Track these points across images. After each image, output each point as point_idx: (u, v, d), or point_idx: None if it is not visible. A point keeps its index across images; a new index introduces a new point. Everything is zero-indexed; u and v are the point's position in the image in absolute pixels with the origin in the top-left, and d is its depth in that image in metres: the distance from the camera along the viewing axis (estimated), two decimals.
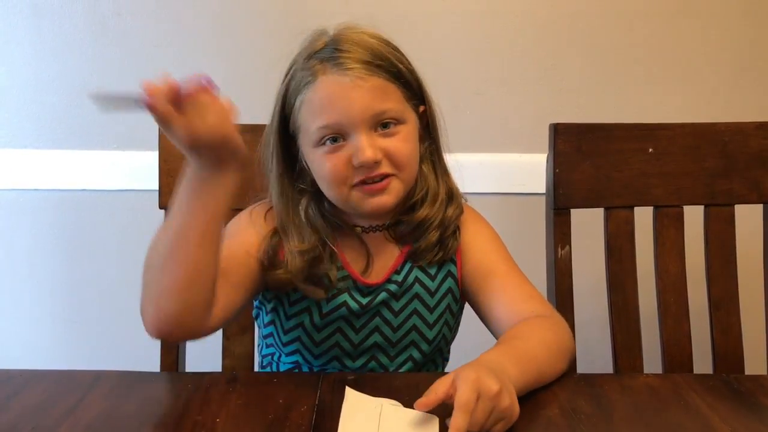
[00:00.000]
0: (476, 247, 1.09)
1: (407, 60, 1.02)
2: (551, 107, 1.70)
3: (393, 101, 0.98)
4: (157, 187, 1.25)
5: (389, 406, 0.85)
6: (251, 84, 1.66)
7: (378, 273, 1.06)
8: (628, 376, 1.03)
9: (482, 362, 0.84)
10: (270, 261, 1.03)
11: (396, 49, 1.02)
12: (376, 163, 0.97)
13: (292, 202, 1.03)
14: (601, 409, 0.87)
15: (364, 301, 1.04)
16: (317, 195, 1.04)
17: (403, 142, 0.99)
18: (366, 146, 0.96)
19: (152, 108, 0.82)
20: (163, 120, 0.83)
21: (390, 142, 0.98)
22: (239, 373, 1.03)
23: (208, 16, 1.68)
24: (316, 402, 0.87)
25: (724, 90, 1.70)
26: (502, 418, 0.78)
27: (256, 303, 1.12)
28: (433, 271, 1.07)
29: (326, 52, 0.97)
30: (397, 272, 1.06)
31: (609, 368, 1.26)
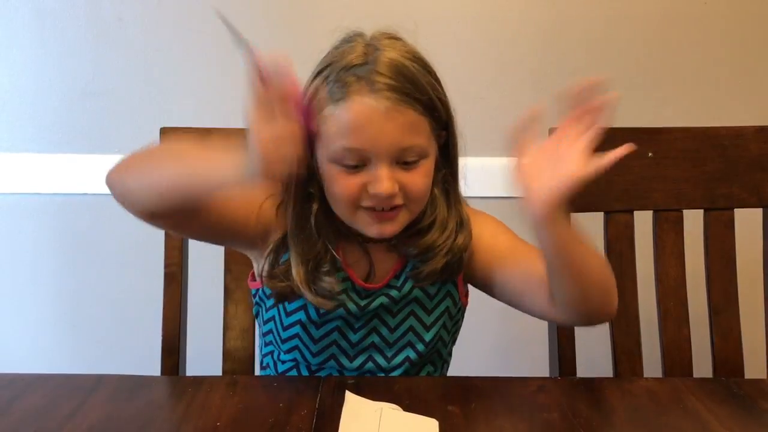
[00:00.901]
0: (481, 245, 1.07)
1: (441, 87, 1.00)
2: (551, 111, 1.69)
3: (421, 137, 0.96)
4: None
5: (389, 409, 0.85)
6: None
7: (378, 278, 1.06)
8: (628, 380, 1.03)
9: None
10: (270, 271, 1.03)
11: (432, 74, 1.00)
12: (391, 196, 0.95)
13: (303, 209, 1.02)
14: (600, 413, 0.87)
15: (362, 303, 1.05)
16: (325, 202, 1.02)
17: (422, 176, 0.98)
18: (385, 179, 0.94)
19: (253, 62, 0.83)
20: (255, 93, 0.84)
21: (409, 176, 0.96)
22: (239, 377, 1.03)
23: (209, 21, 1.68)
24: (317, 406, 0.87)
25: (724, 94, 1.70)
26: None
27: (256, 300, 1.12)
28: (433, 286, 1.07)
29: (364, 71, 0.94)
30: (397, 277, 1.06)
31: (609, 372, 1.27)
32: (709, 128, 1.27)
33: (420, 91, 0.95)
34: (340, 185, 0.96)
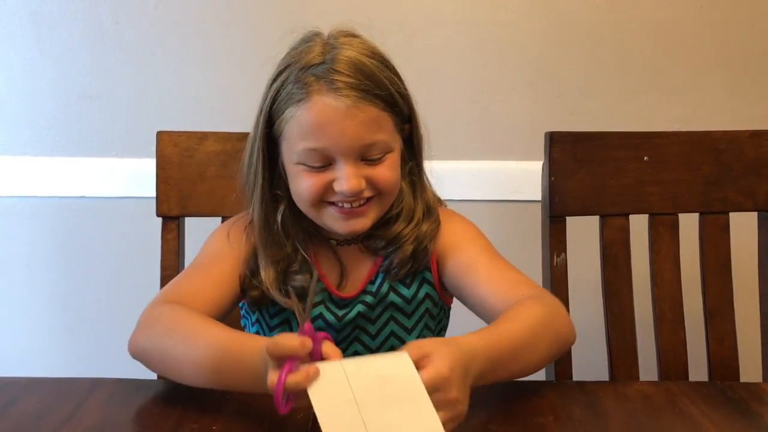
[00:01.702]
0: (453, 246, 1.07)
1: (401, 81, 1.00)
2: (547, 115, 1.70)
3: (384, 132, 0.97)
4: (154, 195, 1.25)
5: (350, 365, 0.76)
6: (249, 91, 1.67)
7: (353, 285, 1.06)
8: (623, 384, 1.03)
9: (458, 348, 0.79)
10: (249, 281, 1.03)
11: (391, 68, 0.99)
12: (358, 192, 0.96)
13: (269, 208, 1.03)
14: (595, 417, 0.87)
15: (340, 313, 1.05)
16: (293, 202, 1.03)
17: (388, 169, 0.98)
18: (351, 177, 0.94)
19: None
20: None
21: (375, 170, 0.97)
22: None
23: (205, 24, 1.68)
24: (313, 411, 0.87)
25: (719, 98, 1.71)
26: (452, 419, 0.75)
27: (242, 312, 1.12)
28: (407, 280, 1.07)
29: (322, 70, 0.94)
30: (372, 282, 1.06)
31: (605, 375, 1.27)
32: (704, 132, 1.28)
33: (380, 87, 0.95)
34: (306, 184, 0.97)
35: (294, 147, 0.96)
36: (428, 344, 0.78)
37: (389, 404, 0.73)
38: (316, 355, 0.77)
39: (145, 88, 1.69)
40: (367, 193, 0.97)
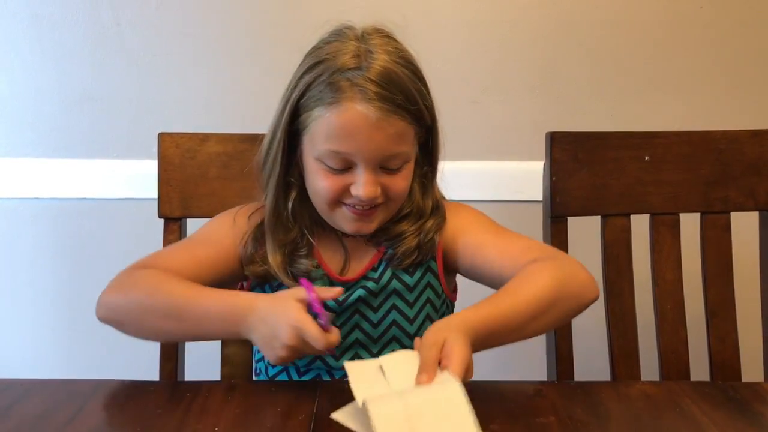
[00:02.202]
0: (459, 233, 1.09)
1: (428, 92, 1.02)
2: (548, 115, 1.70)
3: (407, 144, 0.99)
4: (156, 196, 1.25)
5: (387, 361, 0.84)
6: (250, 93, 1.68)
7: (353, 271, 1.08)
8: (624, 384, 1.03)
9: (461, 325, 0.86)
10: (249, 257, 1.06)
11: (421, 78, 1.01)
12: (374, 199, 0.99)
13: (282, 193, 1.05)
14: (597, 417, 0.87)
15: (340, 297, 1.05)
16: (304, 190, 1.05)
17: (403, 179, 1.01)
18: (368, 184, 0.97)
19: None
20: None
21: (391, 179, 1.00)
22: (237, 382, 1.04)
23: (207, 26, 1.69)
24: (314, 411, 0.87)
25: (720, 98, 1.71)
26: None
27: None
28: (410, 268, 1.08)
29: (357, 76, 0.95)
30: (374, 269, 1.07)
31: (606, 376, 1.27)
32: (705, 132, 1.28)
33: (410, 101, 0.97)
34: (324, 183, 0.99)
35: (317, 145, 0.98)
36: (440, 336, 0.83)
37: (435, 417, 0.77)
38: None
39: (147, 90, 1.70)
40: (379, 200, 1.00)
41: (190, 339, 1.07)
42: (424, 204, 1.08)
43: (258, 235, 1.06)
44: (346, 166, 0.98)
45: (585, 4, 1.68)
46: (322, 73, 0.97)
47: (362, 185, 0.97)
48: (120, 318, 0.98)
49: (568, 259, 1.03)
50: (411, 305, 1.07)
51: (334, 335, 0.89)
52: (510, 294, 0.94)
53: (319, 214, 1.05)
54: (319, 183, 1.00)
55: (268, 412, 0.87)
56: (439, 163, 1.10)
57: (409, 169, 1.02)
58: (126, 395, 0.93)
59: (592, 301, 1.00)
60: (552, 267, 0.97)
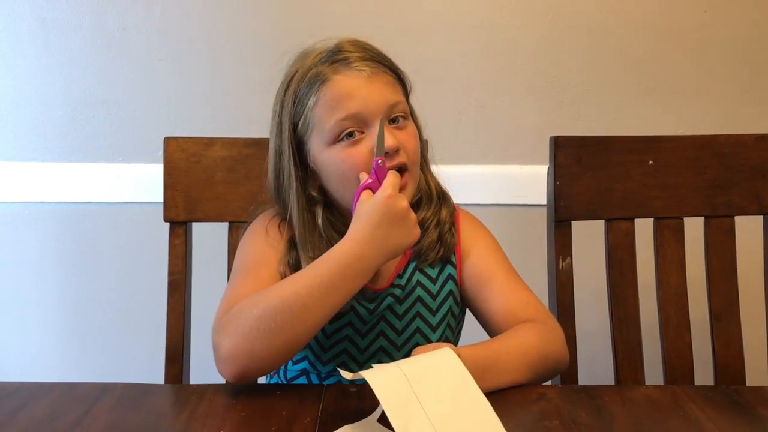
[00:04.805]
0: (475, 251, 1.11)
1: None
2: (552, 120, 1.71)
3: (401, 96, 1.04)
4: (161, 200, 1.26)
5: (407, 366, 0.83)
6: (255, 97, 1.68)
7: (383, 278, 1.08)
8: (628, 388, 1.03)
9: (452, 348, 0.88)
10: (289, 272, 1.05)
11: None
12: (397, 152, 1.00)
13: (308, 213, 1.05)
14: (601, 421, 0.87)
15: (371, 306, 1.06)
16: (328, 203, 1.07)
17: (412, 137, 1.04)
18: (388, 132, 0.99)
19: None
20: None
21: (403, 134, 1.02)
22: (242, 385, 1.03)
23: (212, 30, 1.69)
24: (319, 414, 0.87)
25: (724, 102, 1.71)
26: None
27: None
28: (434, 274, 1.09)
29: (330, 56, 1.00)
30: (400, 276, 1.08)
31: (610, 380, 1.27)
32: (709, 136, 1.28)
33: (386, 61, 1.03)
34: (348, 160, 1.00)
35: (325, 127, 1.00)
36: (432, 347, 0.88)
37: (446, 397, 0.79)
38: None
39: (152, 94, 1.70)
40: (403, 157, 1.01)
41: (326, 319, 0.96)
42: (429, 186, 1.10)
43: (294, 254, 1.05)
44: (360, 128, 1.00)
45: (590, 9, 1.69)
46: (302, 78, 1.02)
47: (384, 137, 0.98)
48: (250, 355, 0.92)
49: (556, 326, 1.06)
50: (434, 313, 1.08)
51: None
52: (500, 341, 0.99)
53: (343, 221, 1.04)
54: (343, 163, 1.00)
55: (273, 416, 0.87)
56: (433, 165, 1.13)
57: (413, 128, 1.05)
58: (132, 398, 0.93)
59: (562, 371, 1.05)
60: (541, 331, 1.02)
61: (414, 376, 0.79)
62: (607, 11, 1.69)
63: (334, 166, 1.02)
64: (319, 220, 1.05)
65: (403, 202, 0.94)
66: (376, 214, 0.93)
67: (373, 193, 0.95)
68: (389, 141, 0.98)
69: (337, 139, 1.00)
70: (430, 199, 1.10)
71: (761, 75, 1.71)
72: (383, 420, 0.80)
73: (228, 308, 0.97)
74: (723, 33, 1.69)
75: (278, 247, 1.06)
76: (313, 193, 1.06)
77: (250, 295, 0.96)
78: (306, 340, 0.94)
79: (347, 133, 1.00)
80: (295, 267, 1.04)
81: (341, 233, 1.04)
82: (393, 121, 1.02)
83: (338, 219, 1.06)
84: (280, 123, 1.04)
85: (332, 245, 1.02)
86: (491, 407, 0.78)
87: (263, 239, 1.07)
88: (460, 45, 1.69)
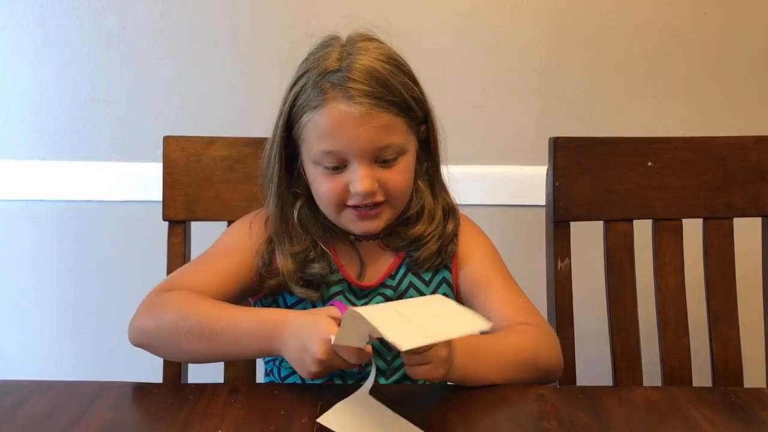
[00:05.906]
0: (473, 257, 1.11)
1: (416, 85, 1.03)
2: (551, 120, 1.71)
3: (397, 135, 1.00)
4: (161, 199, 1.26)
5: (397, 303, 0.89)
6: (255, 97, 1.68)
7: (372, 277, 1.08)
8: (627, 389, 1.03)
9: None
10: (266, 269, 1.06)
11: (407, 73, 1.03)
12: (371, 193, 1.00)
13: (286, 204, 1.07)
14: (599, 422, 0.87)
15: (359, 303, 1.06)
16: (311, 200, 1.07)
17: (401, 173, 1.02)
18: (364, 178, 0.98)
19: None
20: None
21: (388, 174, 1.01)
22: (241, 385, 1.03)
23: (212, 30, 1.69)
24: (317, 413, 0.87)
25: (724, 104, 1.71)
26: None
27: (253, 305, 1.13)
28: (427, 277, 1.09)
29: (338, 78, 0.98)
30: (392, 277, 1.08)
31: (609, 381, 1.27)
32: (709, 138, 1.28)
33: (393, 93, 0.99)
34: (325, 186, 1.01)
35: (312, 149, 1.01)
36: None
37: (431, 311, 0.86)
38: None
39: (152, 93, 1.70)
40: (379, 197, 1.01)
41: (224, 359, 1.08)
42: (436, 204, 1.09)
43: (273, 246, 1.07)
44: (341, 164, 1.00)
45: (590, 10, 1.69)
46: (308, 81, 1.01)
47: (358, 180, 0.98)
48: (152, 342, 0.99)
49: (552, 334, 1.07)
50: None
51: (367, 349, 0.88)
52: (495, 336, 0.99)
53: (330, 219, 1.06)
54: (321, 187, 1.02)
55: (271, 415, 0.87)
56: (442, 165, 1.11)
57: (405, 163, 1.03)
58: (130, 397, 0.93)
59: (555, 380, 1.06)
60: (537, 334, 1.03)
61: (402, 308, 0.84)
62: (608, 12, 1.69)
63: (314, 182, 1.03)
64: (296, 213, 1.06)
65: (316, 368, 0.90)
66: (301, 337, 0.91)
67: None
68: (364, 185, 0.98)
69: (317, 162, 1.01)
70: (432, 215, 1.09)
71: (761, 76, 1.71)
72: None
73: (168, 288, 1.02)
74: (723, 34, 1.69)
75: (256, 240, 1.08)
76: (298, 190, 1.07)
77: (195, 286, 1.01)
78: (202, 362, 1.01)
79: (328, 164, 1.00)
80: (269, 261, 1.06)
81: (324, 226, 1.07)
82: (383, 160, 1.00)
83: (321, 212, 1.07)
84: (279, 117, 1.05)
85: (313, 239, 1.06)
86: (479, 315, 0.84)
87: (244, 228, 1.10)
88: (460, 45, 1.69)
